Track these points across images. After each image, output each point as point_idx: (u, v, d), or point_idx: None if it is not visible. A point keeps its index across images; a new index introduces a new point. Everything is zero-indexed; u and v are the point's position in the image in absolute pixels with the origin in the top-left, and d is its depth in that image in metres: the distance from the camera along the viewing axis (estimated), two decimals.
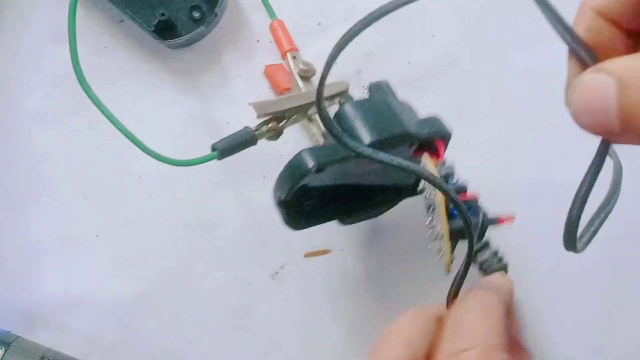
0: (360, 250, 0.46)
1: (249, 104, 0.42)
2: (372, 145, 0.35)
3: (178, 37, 0.47)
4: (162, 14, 0.47)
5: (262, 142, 0.42)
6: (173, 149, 0.43)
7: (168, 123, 0.49)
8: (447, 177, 0.37)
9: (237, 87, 0.49)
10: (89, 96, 0.40)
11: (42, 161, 0.49)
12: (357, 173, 0.40)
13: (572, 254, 0.28)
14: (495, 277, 0.35)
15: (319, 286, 0.46)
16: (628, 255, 0.45)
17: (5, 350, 0.44)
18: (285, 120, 0.42)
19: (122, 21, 0.50)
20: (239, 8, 0.50)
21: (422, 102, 0.40)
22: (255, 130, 0.42)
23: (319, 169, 0.35)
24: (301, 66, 0.45)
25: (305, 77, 0.45)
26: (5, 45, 0.51)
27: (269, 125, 0.42)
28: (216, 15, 0.47)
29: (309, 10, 0.50)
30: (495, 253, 0.39)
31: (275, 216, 0.39)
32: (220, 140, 0.41)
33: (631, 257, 0.45)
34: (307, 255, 0.47)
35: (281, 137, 0.43)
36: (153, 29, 0.47)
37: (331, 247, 0.46)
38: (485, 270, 0.38)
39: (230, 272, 0.47)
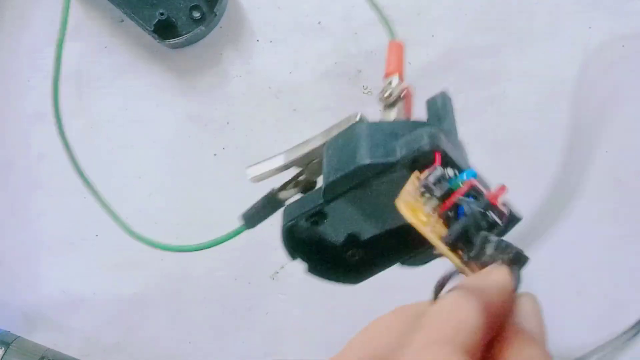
0: None
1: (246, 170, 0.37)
2: (326, 193, 0.29)
3: (178, 36, 0.47)
4: (162, 14, 0.47)
5: (248, 140, 0.41)
6: (172, 149, 0.43)
7: (168, 123, 0.49)
8: (439, 182, 0.27)
9: (237, 87, 0.49)
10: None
11: (41, 161, 0.49)
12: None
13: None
14: (485, 272, 0.27)
15: (319, 286, 0.46)
16: (628, 255, 0.45)
17: (5, 350, 0.44)
18: (304, 171, 0.35)
19: (122, 21, 0.50)
20: (239, 8, 0.50)
21: (422, 103, 0.40)
22: (280, 190, 0.35)
23: (291, 227, 0.32)
24: (385, 94, 0.36)
25: (387, 103, 0.37)
26: (5, 45, 0.51)
27: (299, 179, 0.34)
28: (216, 15, 0.47)
29: (309, 10, 0.50)
30: (499, 244, 0.26)
31: (274, 216, 0.39)
32: (248, 209, 0.37)
33: (631, 257, 0.45)
34: None
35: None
36: (153, 28, 0.47)
37: None
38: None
39: (230, 272, 0.47)
